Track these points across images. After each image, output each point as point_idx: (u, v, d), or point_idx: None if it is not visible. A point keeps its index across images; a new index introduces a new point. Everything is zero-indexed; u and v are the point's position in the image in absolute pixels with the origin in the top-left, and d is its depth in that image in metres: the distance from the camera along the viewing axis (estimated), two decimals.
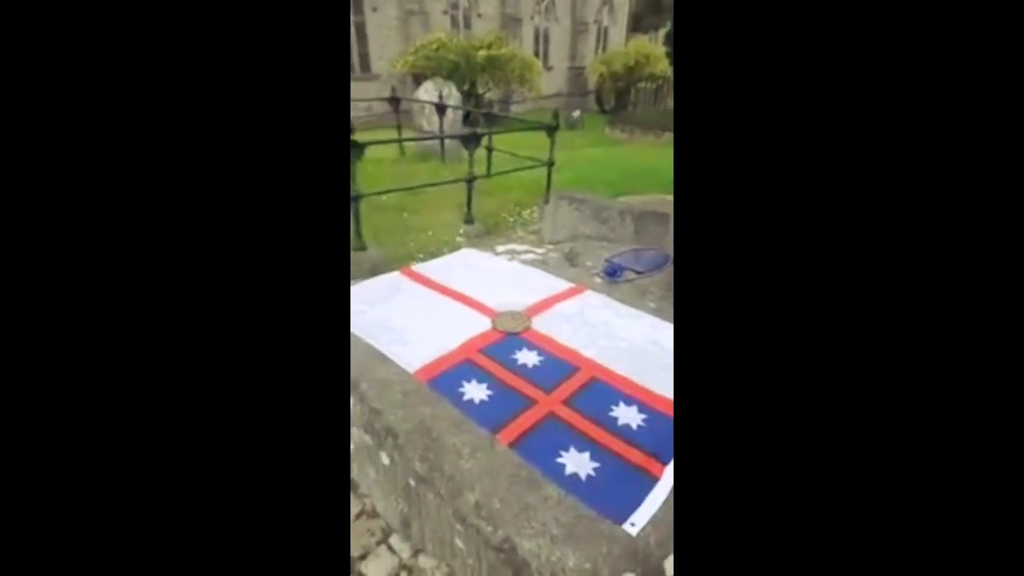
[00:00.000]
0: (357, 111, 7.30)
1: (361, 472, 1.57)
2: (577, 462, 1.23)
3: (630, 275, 2.17)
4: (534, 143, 4.72)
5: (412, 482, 1.30)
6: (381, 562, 1.40)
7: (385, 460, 1.38)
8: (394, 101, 6.19)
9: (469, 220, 3.67)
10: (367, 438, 1.45)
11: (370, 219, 3.22)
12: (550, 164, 3.91)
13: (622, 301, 1.97)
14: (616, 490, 1.16)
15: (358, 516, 1.53)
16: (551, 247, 2.60)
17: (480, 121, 3.41)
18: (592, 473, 1.20)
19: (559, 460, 1.23)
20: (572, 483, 1.18)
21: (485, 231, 3.70)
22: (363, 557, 1.41)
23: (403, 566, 1.38)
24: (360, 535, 1.48)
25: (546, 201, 3.55)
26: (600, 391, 1.47)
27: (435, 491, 1.23)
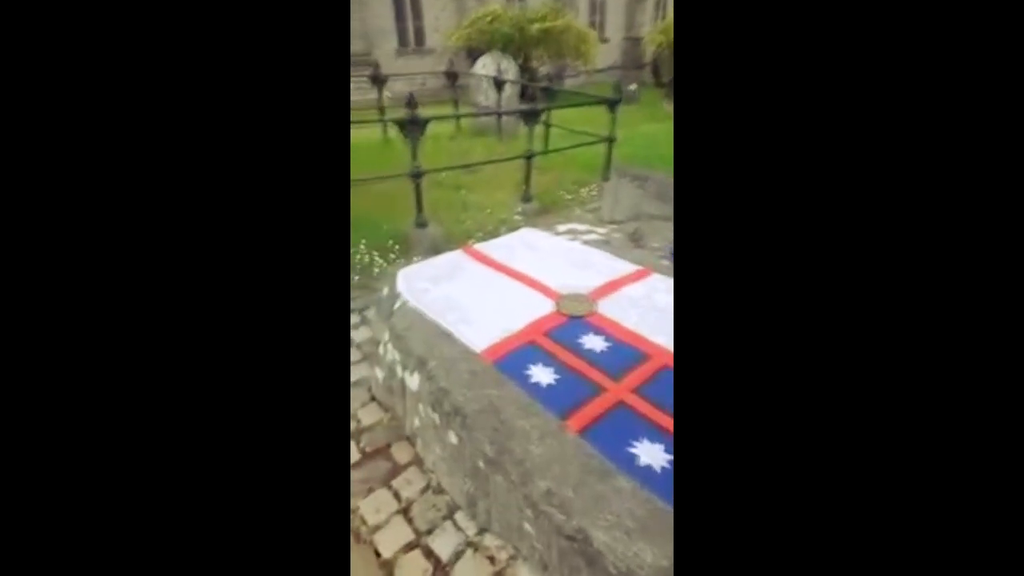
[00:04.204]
0: (412, 85, 7.30)
1: (427, 448, 1.59)
2: (650, 453, 1.19)
3: None
4: (589, 118, 4.57)
5: (480, 464, 1.30)
6: (447, 537, 1.43)
7: (453, 439, 1.39)
8: (451, 76, 6.15)
9: (527, 198, 3.61)
10: (435, 416, 1.47)
11: (428, 196, 3.24)
12: (610, 140, 3.77)
13: None
14: None
15: (424, 491, 1.57)
16: (614, 227, 2.52)
17: (539, 96, 3.30)
18: (667, 466, 1.16)
19: (631, 450, 1.20)
20: (646, 475, 1.14)
21: (543, 209, 3.64)
22: (429, 532, 1.44)
23: (469, 543, 1.40)
24: (426, 510, 1.51)
25: (606, 179, 3.44)
26: (672, 381, 1.41)
27: (504, 475, 1.23)
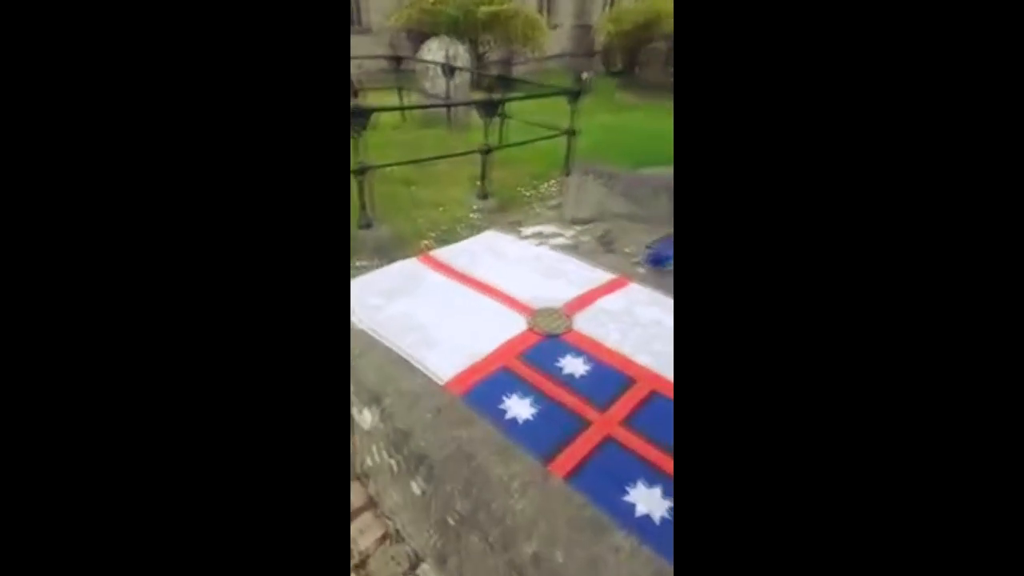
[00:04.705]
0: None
1: (384, 492, 1.39)
2: (648, 500, 1.05)
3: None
4: (544, 108, 4.38)
5: (451, 520, 1.11)
6: None
7: (416, 490, 1.19)
8: (395, 60, 5.78)
9: (483, 195, 3.40)
10: (392, 462, 1.26)
11: (375, 192, 2.96)
12: (571, 133, 3.60)
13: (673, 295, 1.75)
14: None
15: (381, 541, 1.36)
16: (580, 229, 2.36)
17: (496, 85, 3.08)
18: (668, 516, 1.02)
19: (626, 498, 1.05)
20: (645, 527, 1.00)
21: (500, 206, 3.44)
22: None
23: None
24: (383, 564, 1.31)
25: (567, 174, 3.27)
26: (663, 409, 1.27)
27: (481, 535, 1.05)
